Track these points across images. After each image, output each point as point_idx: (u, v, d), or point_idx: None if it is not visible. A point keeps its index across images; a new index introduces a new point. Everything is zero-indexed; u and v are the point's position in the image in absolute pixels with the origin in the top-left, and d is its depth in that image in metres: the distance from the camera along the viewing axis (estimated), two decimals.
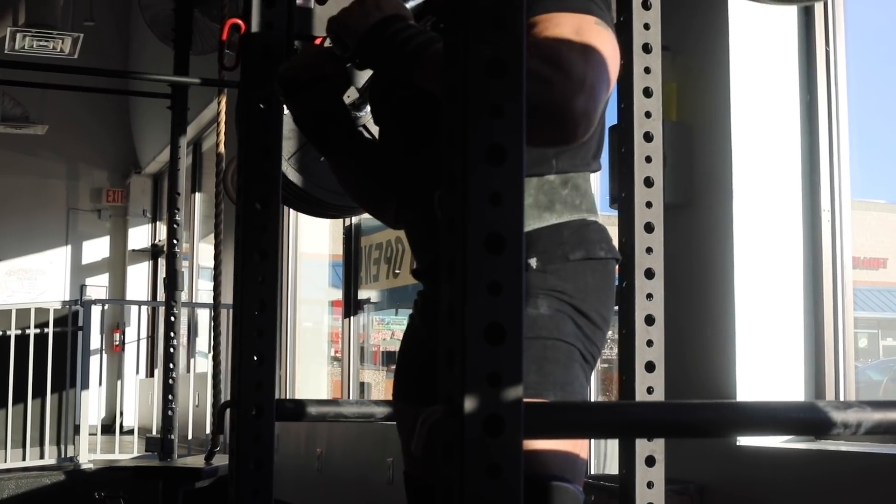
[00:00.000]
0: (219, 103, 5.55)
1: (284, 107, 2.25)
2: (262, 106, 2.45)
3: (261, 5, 2.47)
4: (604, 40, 1.65)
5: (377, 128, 2.15)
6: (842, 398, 3.82)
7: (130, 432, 9.32)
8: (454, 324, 1.10)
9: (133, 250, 12.39)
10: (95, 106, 11.50)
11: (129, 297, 12.40)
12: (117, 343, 12.08)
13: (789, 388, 3.85)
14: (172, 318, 6.05)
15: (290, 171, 2.70)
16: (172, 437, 5.94)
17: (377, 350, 8.16)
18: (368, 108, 2.17)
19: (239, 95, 2.46)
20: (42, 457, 7.41)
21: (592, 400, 2.24)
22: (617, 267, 1.91)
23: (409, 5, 1.85)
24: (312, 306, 9.72)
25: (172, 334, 6.05)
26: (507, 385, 1.11)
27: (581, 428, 1.26)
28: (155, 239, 12.48)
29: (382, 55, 1.71)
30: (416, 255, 1.99)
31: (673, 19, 2.45)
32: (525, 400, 1.69)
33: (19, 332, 7.33)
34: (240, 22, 2.53)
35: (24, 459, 7.33)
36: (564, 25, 1.64)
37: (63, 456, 7.43)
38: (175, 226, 6.14)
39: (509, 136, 1.10)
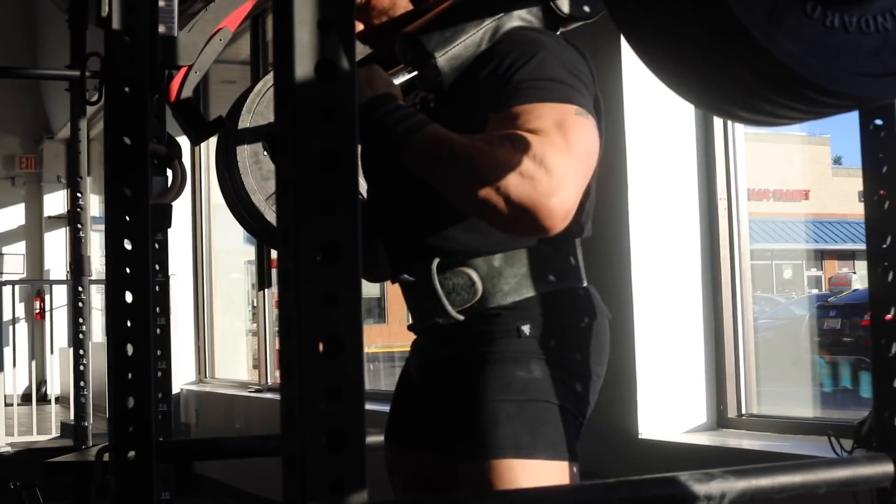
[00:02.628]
0: None
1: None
2: (127, 142, 2.40)
3: (121, 36, 2.39)
4: (584, 132, 1.70)
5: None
6: (741, 375, 3.87)
7: (56, 400, 9.32)
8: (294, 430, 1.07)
9: (49, 217, 12.21)
10: None
11: (47, 264, 12.23)
12: (38, 311, 11.93)
13: (689, 361, 3.89)
14: (80, 304, 5.95)
15: (268, 211, 2.71)
16: (86, 423, 5.87)
17: None
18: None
19: (104, 129, 2.40)
20: None
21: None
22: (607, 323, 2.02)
23: (398, 81, 1.85)
24: (232, 258, 9.58)
25: (81, 320, 5.95)
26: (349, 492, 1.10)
27: None
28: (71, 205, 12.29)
29: (370, 136, 1.70)
30: (413, 315, 2.05)
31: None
32: (517, 460, 1.83)
33: None
34: (99, 55, 2.46)
35: None
36: (546, 118, 1.69)
37: None
38: (78, 209, 6.04)
39: (342, 234, 1.09)
